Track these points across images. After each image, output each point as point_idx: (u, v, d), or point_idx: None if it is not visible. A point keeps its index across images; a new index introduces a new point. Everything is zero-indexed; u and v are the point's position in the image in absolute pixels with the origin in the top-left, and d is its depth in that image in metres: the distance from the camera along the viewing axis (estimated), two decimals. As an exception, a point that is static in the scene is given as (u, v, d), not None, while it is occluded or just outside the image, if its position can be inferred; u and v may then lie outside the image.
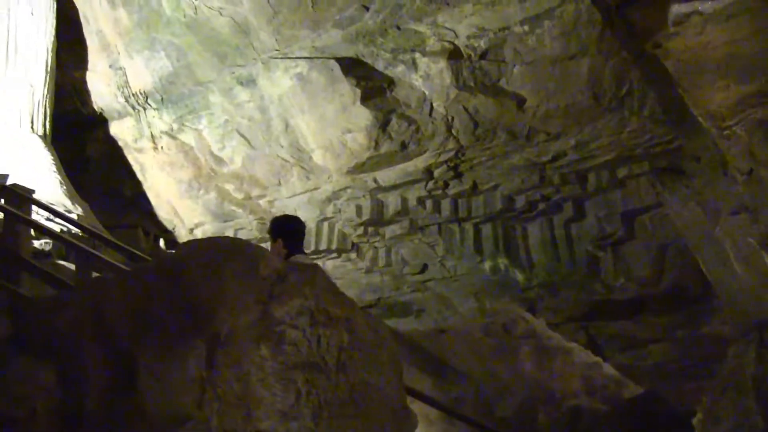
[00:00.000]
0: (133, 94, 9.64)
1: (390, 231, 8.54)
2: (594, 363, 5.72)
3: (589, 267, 7.69)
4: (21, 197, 5.74)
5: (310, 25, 8.08)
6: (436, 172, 8.33)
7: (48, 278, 4.98)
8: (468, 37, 7.65)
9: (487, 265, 8.21)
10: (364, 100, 8.17)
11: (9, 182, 6.12)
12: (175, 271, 2.61)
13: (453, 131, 8.17)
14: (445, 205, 8.36)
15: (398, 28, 7.79)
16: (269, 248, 3.59)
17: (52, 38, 8.77)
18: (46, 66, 8.70)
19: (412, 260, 8.49)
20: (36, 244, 6.47)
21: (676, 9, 5.12)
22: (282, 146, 8.98)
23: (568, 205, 7.85)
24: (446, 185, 8.46)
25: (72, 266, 6.35)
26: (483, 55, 7.76)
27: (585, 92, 7.54)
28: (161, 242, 10.14)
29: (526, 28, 7.31)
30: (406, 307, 8.26)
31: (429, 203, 8.41)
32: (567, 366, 5.53)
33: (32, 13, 8.56)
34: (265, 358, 2.30)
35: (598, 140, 7.69)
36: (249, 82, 8.83)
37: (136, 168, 10.24)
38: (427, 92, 8.06)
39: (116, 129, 10.10)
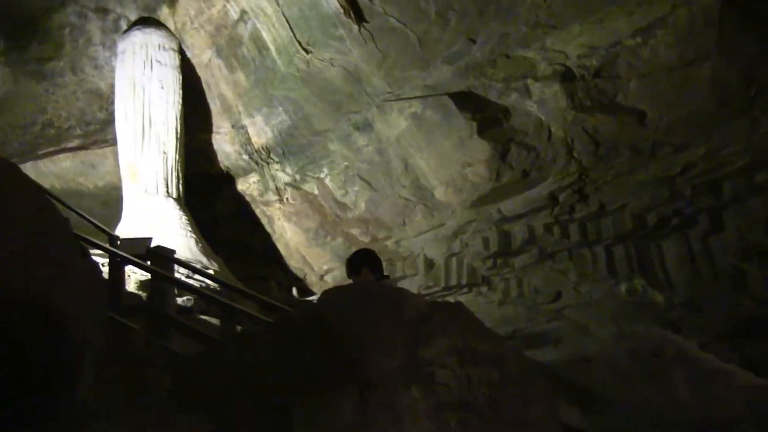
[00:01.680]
0: (255, 151, 11.77)
1: (520, 261, 9.58)
2: (761, 386, 5.75)
3: (734, 281, 8.16)
4: (165, 258, 7.07)
5: (420, 64, 9.48)
6: (561, 197, 9.30)
7: (194, 333, 6.07)
8: (579, 57, 8.67)
9: (623, 287, 8.97)
10: (481, 132, 9.41)
11: (153, 244, 7.44)
12: (320, 319, 3.02)
13: (574, 154, 9.16)
14: (574, 229, 9.27)
15: (507, 56, 9.01)
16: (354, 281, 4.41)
17: (180, 107, 10.97)
18: (176, 133, 10.89)
19: (544, 289, 9.41)
20: (179, 300, 7.80)
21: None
22: (403, 186, 10.43)
23: (703, 217, 8.44)
24: (572, 209, 9.35)
25: (213, 320, 7.66)
26: (597, 73, 8.69)
27: (709, 98, 8.19)
28: (294, 291, 11.98)
29: (638, 40, 8.17)
30: (542, 337, 8.97)
31: (556, 229, 9.36)
32: (728, 391, 5.64)
33: (162, 87, 10.83)
34: (417, 399, 2.63)
35: (729, 147, 8.25)
36: (365, 127, 10.44)
37: (264, 221, 12.40)
38: (543, 117, 9.15)
39: (243, 185, 12.34)
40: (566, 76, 8.94)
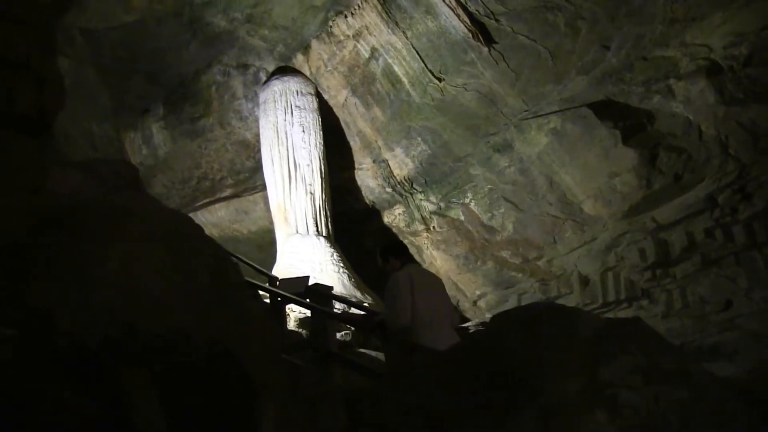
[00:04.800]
0: (398, 183, 12.47)
1: (681, 270, 9.44)
2: None
3: None
4: (323, 295, 7.56)
5: (554, 78, 9.83)
6: (720, 198, 9.14)
7: (358, 368, 6.42)
8: (725, 48, 8.63)
9: (803, 290, 8.39)
10: (626, 139, 9.50)
11: (311, 282, 8.04)
12: (490, 345, 3.07)
13: (730, 151, 9.02)
14: (738, 231, 9.02)
15: (644, 58, 9.13)
16: (386, 271, 5.13)
17: (322, 148, 11.93)
18: (321, 173, 11.83)
19: (712, 297, 9.17)
20: (338, 335, 8.24)
21: None
22: (550, 203, 10.66)
23: None
24: (735, 210, 9.13)
25: (371, 353, 8.26)
26: (747, 62, 8.55)
27: None
28: None
29: (793, 18, 7.60)
30: (715, 350, 8.71)
31: (719, 233, 9.16)
32: None
33: (303, 131, 11.86)
34: (601, 424, 2.55)
35: None
36: (505, 148, 10.83)
37: (412, 251, 11.97)
38: (691, 117, 9.12)
39: (388, 218, 13.03)
40: (712, 70, 8.92)
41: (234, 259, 8.67)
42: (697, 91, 9.03)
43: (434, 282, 5.31)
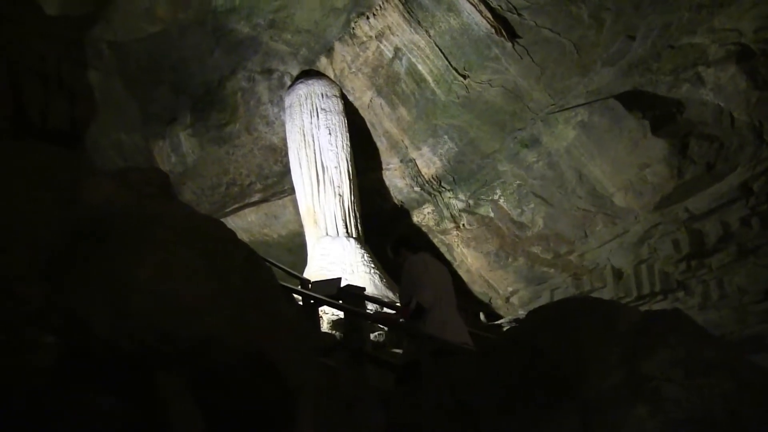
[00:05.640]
0: (426, 182, 12.45)
1: (717, 260, 9.36)
2: None
3: None
4: (356, 296, 7.59)
5: (579, 71, 9.80)
6: (755, 186, 9.05)
7: (393, 368, 6.33)
8: (756, 31, 8.52)
9: None
10: (655, 130, 9.40)
11: (343, 284, 8.01)
12: (528, 341, 3.07)
13: (765, 137, 8.91)
14: None
15: (672, 47, 9.06)
16: (399, 263, 5.47)
17: (349, 149, 11.99)
18: (349, 175, 11.88)
19: (750, 287, 9.07)
20: (371, 336, 8.35)
21: None
22: (580, 197, 10.58)
23: None
24: None
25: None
26: None
27: None
28: (481, 316, 12.34)
29: (830, -5, 7.42)
30: (756, 341, 8.59)
31: (755, 221, 9.07)
32: None
33: (330, 133, 11.92)
34: (643, 418, 2.54)
35: None
36: (533, 143, 10.78)
37: (443, 249, 12.89)
38: (722, 104, 9.01)
39: (418, 217, 12.97)
40: (743, 56, 8.81)
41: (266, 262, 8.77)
42: (727, 78, 8.91)
43: (442, 269, 5.60)
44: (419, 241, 5.85)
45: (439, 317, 5.13)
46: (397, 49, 11.14)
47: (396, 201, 13.17)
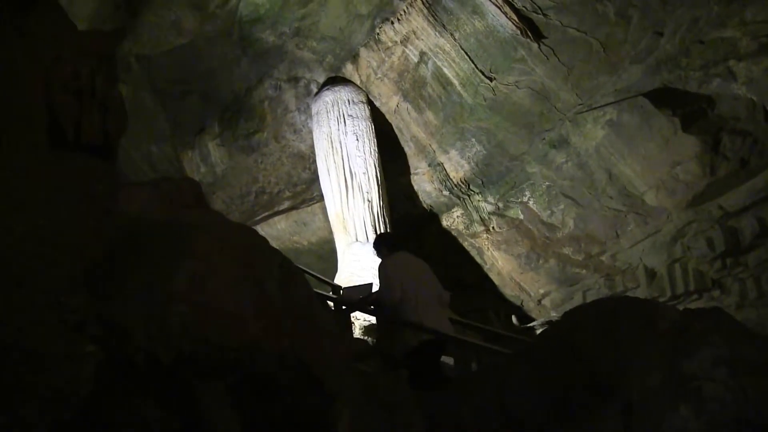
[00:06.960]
0: (455, 185, 12.46)
1: (753, 258, 9.31)
2: None
3: None
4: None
5: (607, 69, 9.76)
6: None
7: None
8: None
9: None
10: (686, 127, 9.32)
11: (373, 289, 7.59)
12: (567, 342, 3.07)
13: None
14: None
15: (701, 42, 8.97)
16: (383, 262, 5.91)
17: (376, 155, 11.94)
18: (377, 180, 11.82)
19: None
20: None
21: None
22: (611, 197, 10.54)
23: None
24: None
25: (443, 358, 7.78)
26: None
27: None
28: (513, 319, 12.43)
29: None
30: None
31: None
32: None
33: (357, 139, 11.89)
34: (686, 418, 2.52)
35: None
36: (561, 143, 10.76)
37: (473, 253, 12.95)
38: (755, 98, 8.92)
39: (447, 221, 13.01)
40: (776, 48, 8.48)
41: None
42: (760, 71, 8.83)
43: (420, 265, 6.00)
44: (399, 241, 6.42)
45: (412, 308, 5.61)
46: (422, 54, 11.15)
47: (425, 205, 13.18)
